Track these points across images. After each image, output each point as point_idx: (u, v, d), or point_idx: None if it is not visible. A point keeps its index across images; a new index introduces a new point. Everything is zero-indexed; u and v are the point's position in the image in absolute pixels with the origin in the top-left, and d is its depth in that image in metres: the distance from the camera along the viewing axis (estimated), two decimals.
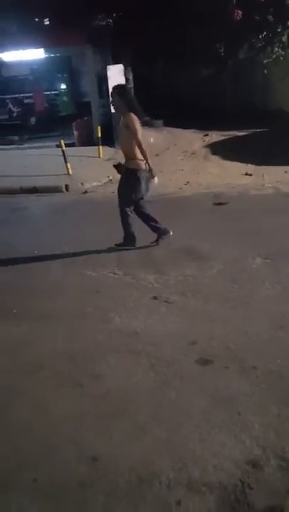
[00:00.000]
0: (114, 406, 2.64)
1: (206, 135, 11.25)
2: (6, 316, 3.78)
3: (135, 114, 4.69)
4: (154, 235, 5.07)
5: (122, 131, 4.83)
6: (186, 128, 11.58)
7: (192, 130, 11.59)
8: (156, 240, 5.05)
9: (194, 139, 11.12)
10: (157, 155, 10.18)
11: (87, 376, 2.92)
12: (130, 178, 4.84)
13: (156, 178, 4.91)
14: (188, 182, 8.01)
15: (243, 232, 5.35)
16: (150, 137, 11.58)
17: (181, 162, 9.56)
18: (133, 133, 4.62)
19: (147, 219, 5.03)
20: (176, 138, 11.29)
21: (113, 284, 4.25)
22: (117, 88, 4.83)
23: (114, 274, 4.45)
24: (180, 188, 7.75)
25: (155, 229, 5.06)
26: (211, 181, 7.99)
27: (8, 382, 2.95)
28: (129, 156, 4.79)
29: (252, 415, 2.46)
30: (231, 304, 3.67)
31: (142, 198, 4.98)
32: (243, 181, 8.05)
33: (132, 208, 4.95)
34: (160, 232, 5.04)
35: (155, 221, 5.04)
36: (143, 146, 4.67)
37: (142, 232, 5.09)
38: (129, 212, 4.93)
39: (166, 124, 11.97)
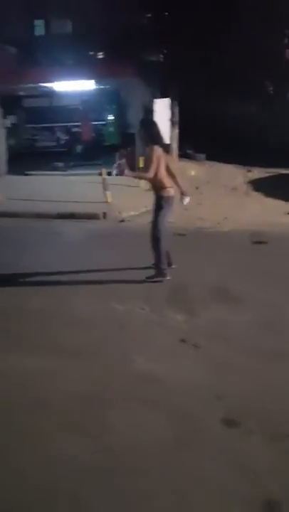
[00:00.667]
0: (121, 462, 2.35)
1: (249, 171, 11.03)
2: (22, 346, 3.60)
3: (159, 146, 4.76)
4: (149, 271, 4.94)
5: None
6: (228, 163, 11.42)
7: (234, 165, 11.42)
8: (151, 277, 4.88)
9: (236, 174, 10.92)
10: (197, 188, 10.05)
11: (97, 424, 2.65)
12: (160, 205, 4.86)
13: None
14: (226, 217, 7.75)
15: (283, 275, 5.00)
16: (192, 170, 11.53)
17: (222, 197, 9.34)
18: (145, 164, 4.72)
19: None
20: (217, 172, 11.13)
21: (138, 321, 4.00)
22: (143, 121, 5.01)
23: (142, 309, 4.21)
24: (218, 223, 7.50)
25: (157, 265, 4.91)
26: (251, 218, 7.70)
27: (12, 418, 2.73)
28: (158, 186, 4.81)
29: (275, 494, 2.10)
30: (266, 356, 3.31)
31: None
32: (285, 220, 7.71)
33: (162, 234, 4.86)
34: (159, 272, 4.87)
35: (163, 260, 4.89)
36: (159, 175, 4.72)
37: (177, 268, 4.90)
38: (161, 239, 4.82)
39: (209, 158, 11.87)
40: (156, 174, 4.74)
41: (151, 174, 4.68)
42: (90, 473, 2.29)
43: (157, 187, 4.83)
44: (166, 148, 4.97)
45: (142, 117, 5.63)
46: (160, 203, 4.87)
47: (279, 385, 2.96)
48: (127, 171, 4.87)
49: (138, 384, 3.05)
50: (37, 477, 2.28)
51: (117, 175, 5.15)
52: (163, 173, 4.78)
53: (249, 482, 2.19)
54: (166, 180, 4.80)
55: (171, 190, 4.84)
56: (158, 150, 4.71)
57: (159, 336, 3.68)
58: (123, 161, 5.03)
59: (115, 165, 4.82)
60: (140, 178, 5.08)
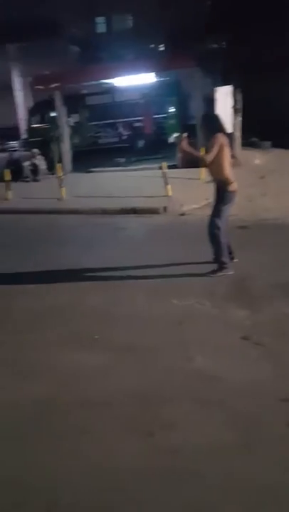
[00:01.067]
0: (182, 466, 2.28)
1: None
2: (86, 343, 3.63)
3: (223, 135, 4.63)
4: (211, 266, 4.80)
5: None
6: None
7: None
8: (212, 272, 4.72)
9: None
10: (262, 177, 9.65)
11: (159, 424, 2.60)
12: (223, 199, 4.70)
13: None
14: None
15: None
16: (256, 159, 11.10)
17: (288, 186, 8.88)
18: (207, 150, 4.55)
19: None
20: (284, 160, 10.61)
21: (199, 317, 3.89)
22: (205, 116, 4.92)
23: (202, 305, 4.10)
24: (284, 214, 7.12)
25: (218, 260, 4.76)
26: None
27: (78, 417, 2.74)
28: (222, 179, 4.66)
29: None
30: None
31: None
32: None
33: (222, 230, 4.71)
34: (221, 266, 4.71)
35: (224, 253, 4.74)
36: (223, 168, 4.59)
37: (238, 262, 4.73)
38: (219, 235, 4.68)
39: (275, 146, 11.34)
40: (221, 166, 4.59)
41: (210, 158, 4.51)
42: (150, 474, 2.25)
43: (221, 180, 4.68)
44: (229, 140, 4.78)
45: (204, 112, 5.46)
46: (223, 198, 4.71)
47: None
48: (184, 145, 4.67)
49: (197, 383, 2.96)
50: (102, 474, 2.27)
51: (173, 143, 5.04)
52: (228, 167, 4.63)
53: None
54: (231, 174, 4.65)
55: (234, 185, 4.69)
56: (222, 138, 4.57)
57: (220, 332, 3.56)
58: (185, 134, 4.85)
59: (175, 135, 4.68)
60: (195, 157, 4.80)
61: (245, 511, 2.01)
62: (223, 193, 4.70)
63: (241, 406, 2.67)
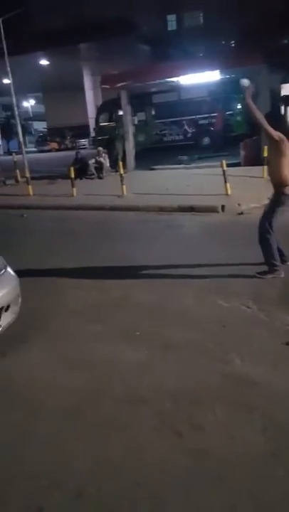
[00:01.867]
0: (208, 470, 2.26)
1: None
2: (129, 339, 3.69)
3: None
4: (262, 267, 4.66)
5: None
6: None
7: None
8: (263, 273, 4.59)
9: None
10: None
11: (189, 425, 2.59)
12: (278, 202, 4.59)
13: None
14: None
15: None
16: None
17: None
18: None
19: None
20: None
21: (243, 319, 3.81)
22: (268, 115, 4.60)
23: (248, 307, 4.01)
24: None
25: (269, 262, 4.60)
26: None
27: (113, 412, 2.79)
28: (279, 181, 4.54)
29: None
30: None
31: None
32: None
33: (273, 232, 4.58)
34: (271, 269, 4.56)
35: (275, 255, 4.59)
36: (283, 169, 4.44)
37: None
38: (269, 236, 4.55)
39: None
40: (278, 167, 4.46)
41: (269, 130, 4.35)
42: (174, 474, 2.25)
43: (277, 181, 4.54)
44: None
45: (268, 111, 5.26)
46: (276, 200, 4.58)
47: None
48: (248, 96, 4.48)
49: (234, 386, 2.90)
50: (129, 470, 2.30)
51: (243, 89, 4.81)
52: (286, 168, 4.45)
53: None
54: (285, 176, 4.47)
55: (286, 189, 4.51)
56: (283, 137, 4.43)
57: (263, 336, 3.46)
58: (252, 86, 4.68)
59: (244, 80, 4.40)
60: (251, 108, 4.44)
61: None
62: (277, 195, 4.56)
63: (275, 413, 2.58)
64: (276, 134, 4.37)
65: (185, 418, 2.65)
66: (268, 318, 3.75)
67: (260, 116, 4.38)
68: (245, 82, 4.63)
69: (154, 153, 16.30)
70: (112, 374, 3.19)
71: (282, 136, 4.42)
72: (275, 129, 4.45)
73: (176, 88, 16.79)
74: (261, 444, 2.39)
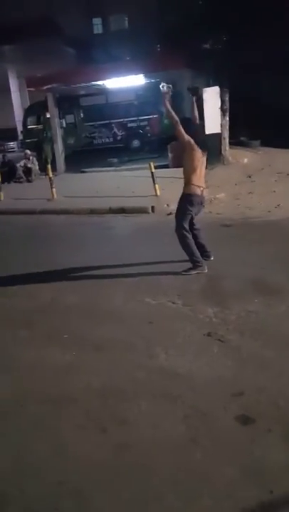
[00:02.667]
0: (131, 460, 2.34)
1: None
2: (57, 341, 3.69)
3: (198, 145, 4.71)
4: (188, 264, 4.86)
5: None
6: (284, 148, 10.89)
7: None
8: (187, 270, 4.78)
9: None
10: (249, 176, 9.70)
11: (114, 420, 2.65)
12: (182, 198, 4.85)
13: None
14: (278, 205, 7.40)
15: None
16: (244, 158, 11.13)
17: (275, 184, 8.92)
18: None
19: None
20: (272, 158, 10.65)
21: (169, 315, 3.95)
22: (182, 120, 4.81)
23: (173, 303, 4.15)
24: (269, 212, 7.18)
25: (191, 259, 4.82)
26: None
27: (39, 412, 2.80)
28: (185, 179, 4.81)
29: (286, 499, 1.98)
30: None
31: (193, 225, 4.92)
32: None
33: (188, 230, 4.80)
34: (194, 265, 4.77)
35: (195, 252, 4.80)
36: (192, 171, 4.73)
37: (215, 260, 4.82)
38: (187, 235, 4.77)
39: (264, 145, 11.39)
40: (186, 169, 4.70)
41: (176, 121, 4.58)
42: (98, 469, 2.31)
43: (185, 182, 4.79)
44: (204, 148, 4.80)
45: (184, 117, 5.52)
46: (182, 199, 4.82)
47: None
48: (165, 100, 4.69)
49: (159, 379, 3.01)
50: (53, 469, 2.32)
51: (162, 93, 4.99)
52: (193, 171, 4.70)
53: (257, 483, 2.09)
54: (197, 179, 4.73)
55: (196, 189, 4.75)
56: (196, 146, 4.66)
57: (187, 330, 3.61)
58: (170, 90, 4.87)
59: (163, 85, 4.60)
60: (168, 111, 4.66)
61: (183, 504, 2.06)
62: (182, 195, 4.83)
63: (196, 401, 2.72)
64: (187, 137, 4.58)
65: (111, 414, 2.71)
66: (192, 312, 3.92)
67: (176, 120, 4.58)
68: (164, 86, 4.81)
69: (85, 155, 16.23)
70: (39, 377, 3.18)
71: (191, 140, 4.63)
72: (188, 133, 4.67)
73: (105, 91, 16.84)
74: (182, 431, 2.51)
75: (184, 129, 4.67)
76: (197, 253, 4.75)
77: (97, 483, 2.22)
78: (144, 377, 3.06)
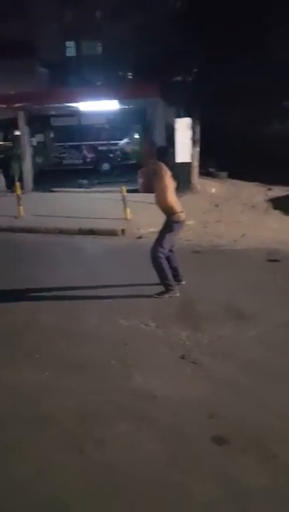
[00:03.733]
0: (110, 481, 2.36)
1: (270, 189, 10.96)
2: (30, 361, 3.67)
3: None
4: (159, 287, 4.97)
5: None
6: (250, 181, 11.40)
7: (255, 183, 11.39)
8: (160, 293, 4.90)
9: (257, 192, 10.88)
10: (217, 205, 10.05)
11: (92, 441, 2.67)
12: (167, 225, 4.98)
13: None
14: (244, 235, 7.71)
15: None
16: (212, 188, 11.55)
17: (241, 214, 9.29)
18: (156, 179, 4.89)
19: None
20: (238, 190, 11.11)
21: (143, 337, 4.02)
22: (158, 148, 5.11)
23: (147, 325, 4.23)
24: (235, 241, 7.46)
25: (164, 282, 4.95)
26: (269, 236, 7.61)
27: (14, 434, 2.78)
28: (168, 210, 4.94)
29: None
30: (264, 375, 3.28)
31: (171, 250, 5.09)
32: None
33: (164, 255, 4.94)
34: (167, 289, 4.90)
35: (168, 276, 4.94)
36: (169, 199, 4.87)
37: (187, 285, 4.97)
38: (160, 259, 4.89)
39: (231, 176, 11.87)
40: (163, 196, 4.84)
41: (159, 177, 4.82)
42: (77, 489, 2.32)
43: (166, 209, 4.92)
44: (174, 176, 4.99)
45: (159, 146, 5.80)
46: (167, 226, 4.95)
47: (273, 404, 2.92)
48: (147, 149, 4.93)
49: (135, 401, 3.06)
50: (33, 492, 2.31)
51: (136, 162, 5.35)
52: (171, 196, 4.86)
53: (233, 502, 2.16)
54: (176, 204, 4.90)
55: (181, 215, 4.92)
56: (165, 168, 4.81)
57: (160, 352, 3.69)
58: (144, 169, 5.22)
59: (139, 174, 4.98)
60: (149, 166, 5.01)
61: None
62: (168, 222, 4.93)
63: (173, 423, 2.78)
64: (162, 170, 4.79)
65: (88, 435, 2.73)
66: (166, 334, 4.01)
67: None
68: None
69: (54, 175, 16.23)
70: (11, 399, 3.15)
71: (165, 169, 4.81)
72: (161, 161, 4.86)
73: (76, 113, 17.06)
74: (160, 452, 2.56)
75: (160, 157, 4.89)
76: (170, 277, 4.88)
77: (78, 501, 2.23)
78: (120, 398, 3.10)
